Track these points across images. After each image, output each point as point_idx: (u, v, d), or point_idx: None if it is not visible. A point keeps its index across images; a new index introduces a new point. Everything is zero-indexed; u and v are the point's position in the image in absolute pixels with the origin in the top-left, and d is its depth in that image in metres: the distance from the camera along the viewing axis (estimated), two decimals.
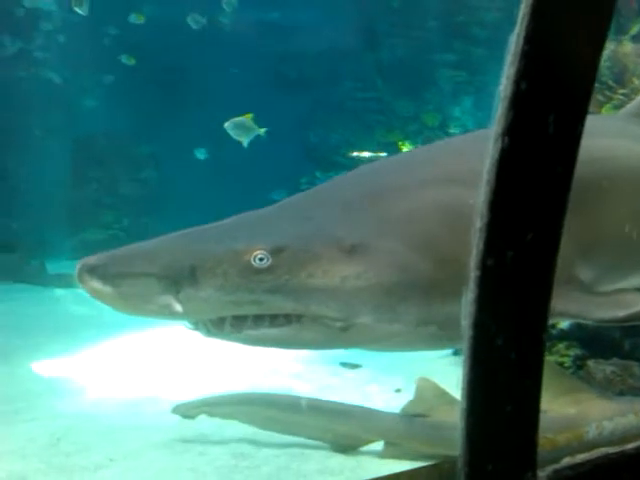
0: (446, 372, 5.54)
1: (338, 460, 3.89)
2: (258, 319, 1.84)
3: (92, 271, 1.78)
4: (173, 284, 1.76)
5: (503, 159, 1.14)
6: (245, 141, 9.07)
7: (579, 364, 4.81)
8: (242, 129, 8.92)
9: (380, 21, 14.61)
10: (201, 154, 13.20)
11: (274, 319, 1.85)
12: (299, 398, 4.34)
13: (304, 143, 15.36)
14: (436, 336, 2.00)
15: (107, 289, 1.76)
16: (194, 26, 12.30)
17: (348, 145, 14.43)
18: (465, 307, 1.26)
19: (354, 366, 5.99)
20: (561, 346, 4.94)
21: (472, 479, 1.29)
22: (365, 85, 15.04)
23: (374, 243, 1.91)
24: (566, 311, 2.07)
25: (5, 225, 12.62)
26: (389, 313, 1.89)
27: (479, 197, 1.20)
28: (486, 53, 13.74)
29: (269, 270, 1.80)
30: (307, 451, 4.04)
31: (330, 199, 2.14)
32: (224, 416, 4.26)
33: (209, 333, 1.89)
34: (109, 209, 14.57)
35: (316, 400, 4.29)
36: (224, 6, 12.40)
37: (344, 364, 6.02)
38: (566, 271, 2.12)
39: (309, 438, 4.07)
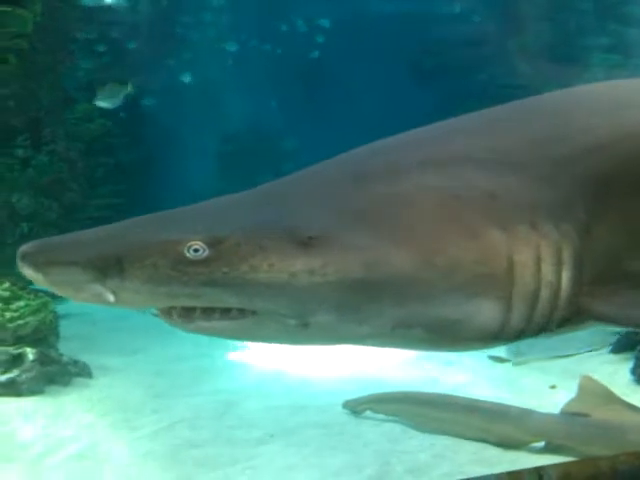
0: (604, 370, 5.30)
1: (494, 452, 3.86)
2: (208, 310, 1.73)
3: (24, 258, 1.76)
4: (100, 274, 1.70)
5: None
6: None
7: None
8: None
9: (526, 4, 14.08)
10: (186, 77, 12.58)
11: (226, 311, 1.72)
12: (456, 398, 4.37)
13: None
14: (427, 340, 1.79)
15: (38, 276, 1.75)
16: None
17: None
18: None
19: (504, 360, 5.86)
20: None
21: None
22: (509, 71, 14.54)
23: (338, 235, 1.71)
24: (608, 314, 1.78)
25: None
26: (353, 314, 1.71)
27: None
28: None
29: (205, 262, 1.67)
30: (461, 442, 4.05)
31: (306, 183, 1.95)
32: (387, 413, 4.44)
33: (169, 322, 1.80)
34: None
35: (473, 400, 4.31)
36: None
37: (493, 357, 5.91)
38: (617, 265, 1.83)
39: (466, 438, 4.08)
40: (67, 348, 5.81)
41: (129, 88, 8.88)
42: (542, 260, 1.74)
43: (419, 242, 1.71)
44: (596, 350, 5.72)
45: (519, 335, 1.80)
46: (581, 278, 1.79)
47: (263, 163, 15.45)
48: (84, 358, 5.71)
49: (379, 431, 4.29)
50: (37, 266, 1.74)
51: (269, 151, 15.50)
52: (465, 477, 3.79)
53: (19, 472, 3.96)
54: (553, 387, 5.05)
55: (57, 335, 5.83)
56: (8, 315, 5.44)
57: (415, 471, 3.72)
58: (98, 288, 1.71)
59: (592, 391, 3.85)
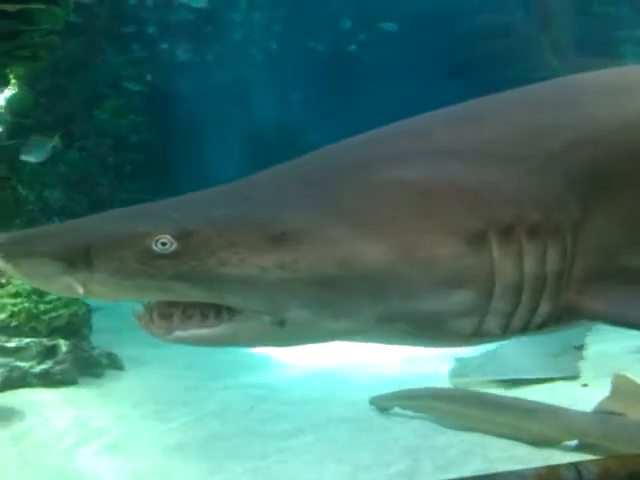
0: (638, 369, 5.20)
1: (526, 450, 3.83)
2: (187, 318, 1.72)
3: None
4: (68, 266, 1.70)
5: None
6: None
7: None
8: None
9: None
10: (134, 86, 12.34)
11: (204, 318, 1.71)
12: (486, 395, 4.34)
13: None
14: (410, 335, 1.76)
15: (9, 267, 1.75)
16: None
17: None
18: None
19: None
20: None
21: None
22: (538, 66, 14.38)
23: (313, 230, 1.68)
24: (605, 312, 1.70)
25: None
26: (329, 309, 1.68)
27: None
28: None
29: (173, 256, 1.65)
30: (491, 439, 4.03)
31: (282, 177, 1.93)
32: (415, 409, 4.42)
33: (148, 332, 1.80)
34: None
35: (503, 397, 4.27)
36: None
37: None
38: (612, 261, 1.77)
39: (496, 435, 4.04)
40: (99, 340, 5.90)
41: (55, 141, 8.84)
42: (526, 255, 1.69)
43: (397, 237, 1.68)
44: (558, 379, 5.03)
45: (503, 332, 1.76)
46: (571, 274, 1.73)
47: (286, 156, 15.43)
48: (115, 350, 5.80)
49: (408, 427, 4.29)
50: (7, 257, 1.74)
51: (292, 145, 15.51)
52: None
53: (53, 462, 4.04)
54: (585, 385, 4.99)
55: (90, 327, 5.92)
56: (42, 307, 5.55)
57: (445, 467, 3.71)
58: (68, 280, 1.71)
59: (626, 390, 3.79)
